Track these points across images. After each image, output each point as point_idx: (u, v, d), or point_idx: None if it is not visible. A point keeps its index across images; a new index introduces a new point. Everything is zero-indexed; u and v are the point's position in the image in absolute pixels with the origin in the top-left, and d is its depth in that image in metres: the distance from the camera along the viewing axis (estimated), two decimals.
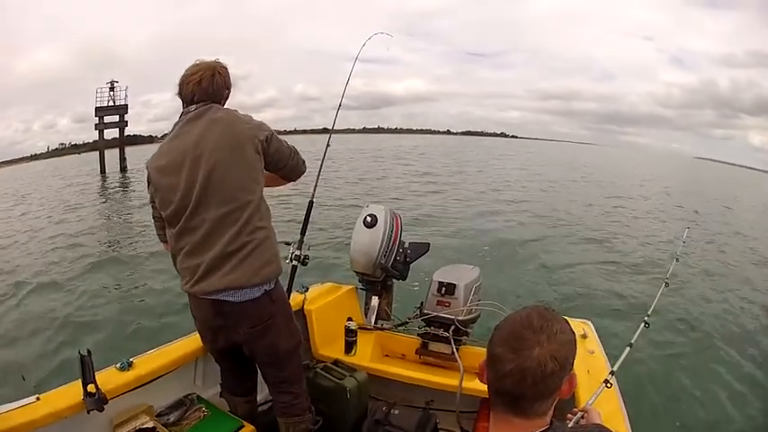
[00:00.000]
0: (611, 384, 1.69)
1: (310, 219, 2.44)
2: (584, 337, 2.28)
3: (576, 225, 11.56)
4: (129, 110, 28.54)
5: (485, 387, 0.95)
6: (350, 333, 2.40)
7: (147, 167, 1.80)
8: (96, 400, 1.70)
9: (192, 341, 2.14)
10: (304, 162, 1.98)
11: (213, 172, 1.67)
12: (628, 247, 9.62)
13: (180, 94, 1.78)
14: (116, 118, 28.12)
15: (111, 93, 27.90)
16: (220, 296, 1.72)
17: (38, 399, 1.71)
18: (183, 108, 1.77)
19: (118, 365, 1.95)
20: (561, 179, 22.12)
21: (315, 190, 2.47)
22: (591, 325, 2.52)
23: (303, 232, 2.38)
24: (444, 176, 20.50)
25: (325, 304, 2.54)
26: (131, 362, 1.97)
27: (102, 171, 28.15)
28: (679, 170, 57.65)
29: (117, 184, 24.01)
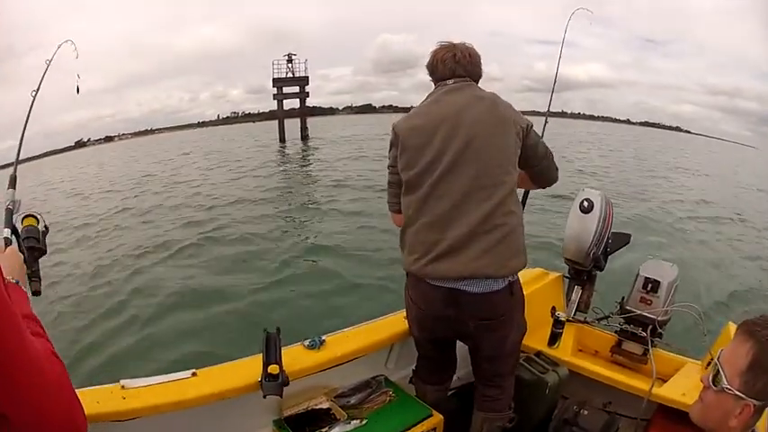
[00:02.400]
0: None
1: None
2: None
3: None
4: (309, 82, 29.65)
5: (672, 395, 1.11)
6: (558, 324, 2.28)
7: (393, 128, 1.72)
8: (277, 384, 1.55)
9: (391, 323, 2.04)
10: (557, 169, 1.85)
11: (473, 141, 1.58)
12: None
13: (433, 70, 1.73)
14: (296, 89, 29.33)
15: (290, 65, 29.23)
16: (459, 285, 1.58)
17: (194, 374, 1.61)
18: (437, 84, 1.73)
19: (307, 343, 1.82)
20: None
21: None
22: None
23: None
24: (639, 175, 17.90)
25: (533, 291, 2.39)
26: (323, 340, 1.85)
27: (282, 140, 30.11)
28: None
29: (298, 152, 25.69)
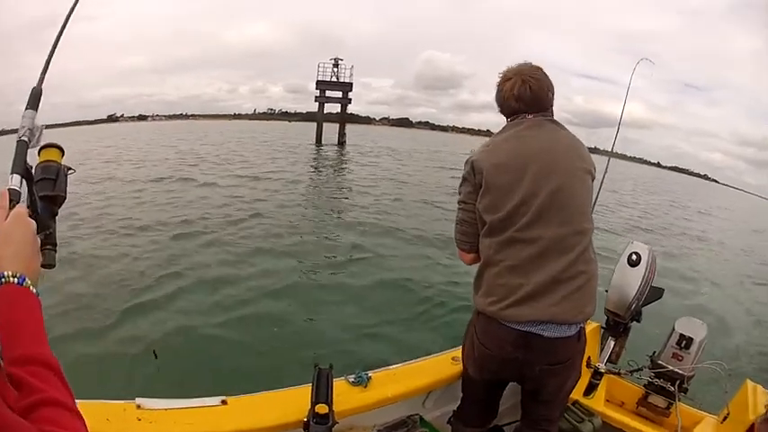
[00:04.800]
0: None
1: None
2: None
3: None
4: (352, 89, 29.84)
5: None
6: (597, 375, 2.35)
7: (473, 163, 1.63)
8: (326, 427, 1.46)
9: (436, 364, 2.04)
10: None
11: (562, 188, 1.55)
12: None
13: (505, 105, 1.67)
14: (339, 93, 29.78)
15: (335, 69, 29.57)
16: (535, 328, 1.55)
17: (224, 402, 1.51)
18: (511, 118, 1.68)
19: (352, 379, 1.77)
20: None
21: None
22: None
23: None
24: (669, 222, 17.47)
25: None
26: (370, 377, 1.79)
27: (319, 142, 30.21)
28: None
29: (334, 156, 25.56)
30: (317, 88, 29.54)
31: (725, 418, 2.20)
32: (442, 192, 14.37)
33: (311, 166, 20.09)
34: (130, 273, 5.94)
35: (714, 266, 10.87)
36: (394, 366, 1.97)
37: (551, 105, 1.68)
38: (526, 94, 1.61)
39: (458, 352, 1.96)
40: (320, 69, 29.40)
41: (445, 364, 2.02)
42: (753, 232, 20.85)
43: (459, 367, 1.93)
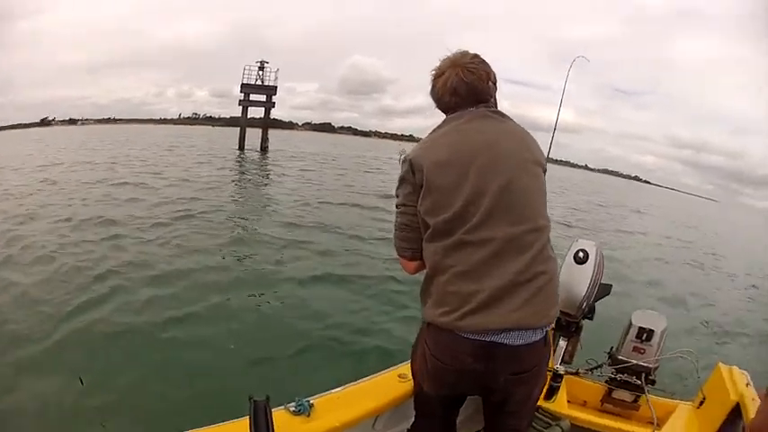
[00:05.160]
0: None
1: None
2: None
3: None
4: (277, 92, 29.15)
5: None
6: (556, 378, 2.32)
7: (410, 161, 1.50)
8: None
9: (383, 383, 1.92)
10: None
11: (512, 183, 1.44)
12: None
13: (441, 100, 1.57)
14: (263, 97, 29.08)
15: (261, 72, 28.85)
16: (497, 337, 1.42)
17: None
18: (449, 112, 1.57)
19: (293, 408, 1.63)
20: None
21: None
22: None
23: None
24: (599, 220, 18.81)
25: None
26: (312, 404, 1.66)
27: (242, 147, 29.33)
28: None
29: (256, 162, 25.00)
30: (241, 91, 28.76)
31: (701, 403, 2.23)
32: (368, 194, 14.75)
33: (234, 173, 19.27)
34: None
35: (651, 260, 11.52)
36: (336, 390, 1.83)
37: (493, 95, 1.57)
38: (462, 87, 1.52)
39: (405, 368, 1.89)
40: (246, 72, 28.58)
41: (392, 382, 1.91)
42: (685, 228, 23.24)
43: (408, 385, 1.84)
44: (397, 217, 1.58)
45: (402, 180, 1.53)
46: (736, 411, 2.03)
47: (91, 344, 4.17)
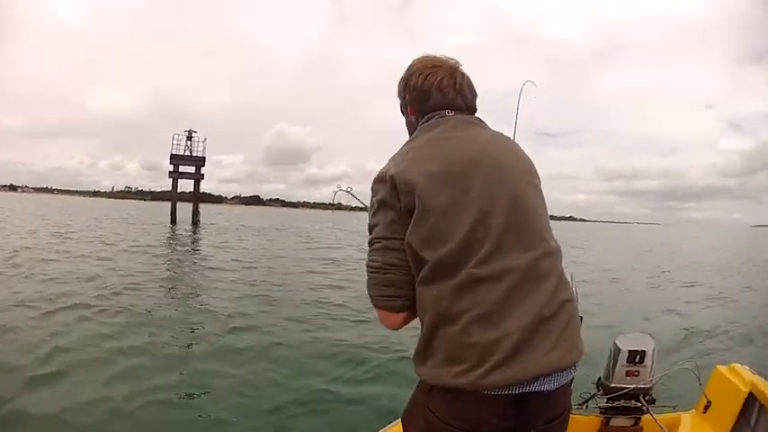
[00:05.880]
0: None
1: None
2: None
3: None
4: (205, 163, 28.89)
5: None
6: None
7: (394, 178, 1.16)
8: None
9: None
10: None
11: (520, 197, 1.20)
12: None
13: (423, 96, 1.32)
14: (192, 169, 28.67)
15: (189, 142, 28.46)
16: (532, 386, 1.15)
17: None
18: (428, 115, 1.32)
19: None
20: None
21: None
22: None
23: None
24: None
25: None
26: None
27: (173, 221, 28.49)
28: (732, 241, 57.01)
29: (189, 236, 24.12)
30: (171, 162, 28.30)
31: (706, 408, 2.22)
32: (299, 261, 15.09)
33: (168, 248, 18.43)
34: None
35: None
36: None
37: (476, 111, 1.37)
38: (453, 89, 1.31)
39: None
40: (174, 141, 28.17)
41: None
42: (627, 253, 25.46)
43: None
44: (373, 257, 1.23)
45: (380, 206, 1.21)
46: (749, 402, 2.06)
47: None
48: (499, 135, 1.32)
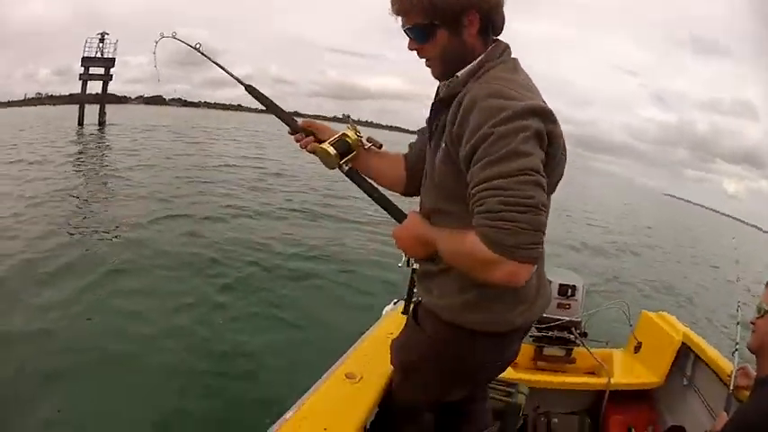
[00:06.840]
0: None
1: None
2: None
3: None
4: (115, 64, 28.09)
5: (628, 380, 1.45)
6: None
7: (543, 111, 0.98)
8: None
9: (336, 389, 1.50)
10: None
11: None
12: None
13: (494, 16, 1.09)
14: (101, 70, 27.85)
15: (101, 44, 27.60)
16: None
17: None
18: (494, 41, 1.13)
19: None
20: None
21: None
22: None
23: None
24: None
25: None
26: None
27: (81, 123, 27.94)
28: (649, 205, 57.38)
29: (96, 136, 23.99)
30: (82, 65, 27.49)
31: (637, 349, 2.34)
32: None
33: (76, 150, 18.06)
34: None
35: None
36: (290, 415, 1.32)
37: None
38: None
39: (352, 367, 1.58)
40: (87, 45, 27.31)
41: (344, 388, 1.50)
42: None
43: (366, 386, 1.50)
44: (526, 191, 0.92)
45: (537, 137, 0.96)
46: (682, 351, 2.18)
47: None
48: None
